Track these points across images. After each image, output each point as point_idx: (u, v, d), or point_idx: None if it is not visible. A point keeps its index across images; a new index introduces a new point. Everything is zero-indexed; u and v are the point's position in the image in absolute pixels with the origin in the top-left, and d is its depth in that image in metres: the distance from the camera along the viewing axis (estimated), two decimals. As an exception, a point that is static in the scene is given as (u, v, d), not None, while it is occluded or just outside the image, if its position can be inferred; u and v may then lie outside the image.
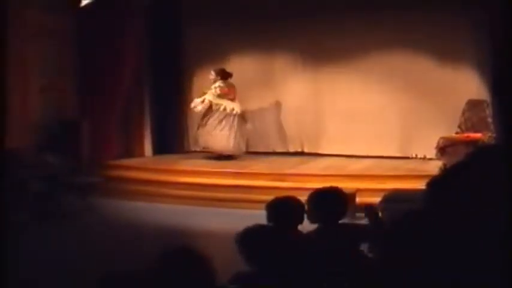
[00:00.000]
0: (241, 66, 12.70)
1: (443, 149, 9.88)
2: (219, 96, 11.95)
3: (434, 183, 3.86)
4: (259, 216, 4.55)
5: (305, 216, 4.44)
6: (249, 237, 3.72)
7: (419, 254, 3.06)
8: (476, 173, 3.67)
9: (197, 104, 12.00)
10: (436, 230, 3.14)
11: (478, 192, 3.50)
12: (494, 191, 3.48)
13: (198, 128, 12.18)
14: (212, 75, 12.07)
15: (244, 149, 12.26)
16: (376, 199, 7.42)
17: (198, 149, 12.61)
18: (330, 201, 4.44)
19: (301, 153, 12.27)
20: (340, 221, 4.42)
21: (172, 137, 13.19)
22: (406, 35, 11.57)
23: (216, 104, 11.92)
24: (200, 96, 12.07)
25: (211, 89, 11.98)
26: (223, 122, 11.88)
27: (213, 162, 11.69)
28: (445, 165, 7.85)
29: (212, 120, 11.93)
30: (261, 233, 3.76)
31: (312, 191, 4.54)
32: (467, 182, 3.57)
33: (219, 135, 11.86)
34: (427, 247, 3.06)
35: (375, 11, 11.52)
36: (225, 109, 11.91)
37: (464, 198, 3.45)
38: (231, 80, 12.13)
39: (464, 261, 3.07)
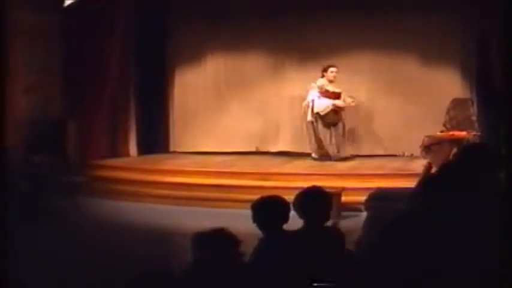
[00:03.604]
0: (225, 66, 12.71)
1: (428, 147, 9.92)
2: None
3: (427, 183, 3.88)
4: (244, 215, 4.56)
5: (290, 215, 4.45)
6: (201, 241, 3.77)
7: (414, 255, 3.08)
8: (467, 172, 3.69)
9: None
10: (431, 230, 3.16)
11: (469, 191, 3.52)
12: (486, 189, 3.51)
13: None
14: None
15: None
16: (361, 198, 7.46)
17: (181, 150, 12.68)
18: (313, 202, 4.43)
19: (287, 153, 12.25)
20: (324, 223, 4.42)
21: (157, 137, 13.16)
22: (391, 35, 11.61)
23: None
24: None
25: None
26: None
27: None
28: (429, 163, 7.85)
29: None
30: (211, 237, 3.79)
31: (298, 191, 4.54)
32: (459, 181, 3.60)
33: None
34: (422, 247, 3.08)
35: (361, 12, 11.56)
36: None
37: (457, 197, 3.47)
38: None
39: (459, 261, 3.09)
